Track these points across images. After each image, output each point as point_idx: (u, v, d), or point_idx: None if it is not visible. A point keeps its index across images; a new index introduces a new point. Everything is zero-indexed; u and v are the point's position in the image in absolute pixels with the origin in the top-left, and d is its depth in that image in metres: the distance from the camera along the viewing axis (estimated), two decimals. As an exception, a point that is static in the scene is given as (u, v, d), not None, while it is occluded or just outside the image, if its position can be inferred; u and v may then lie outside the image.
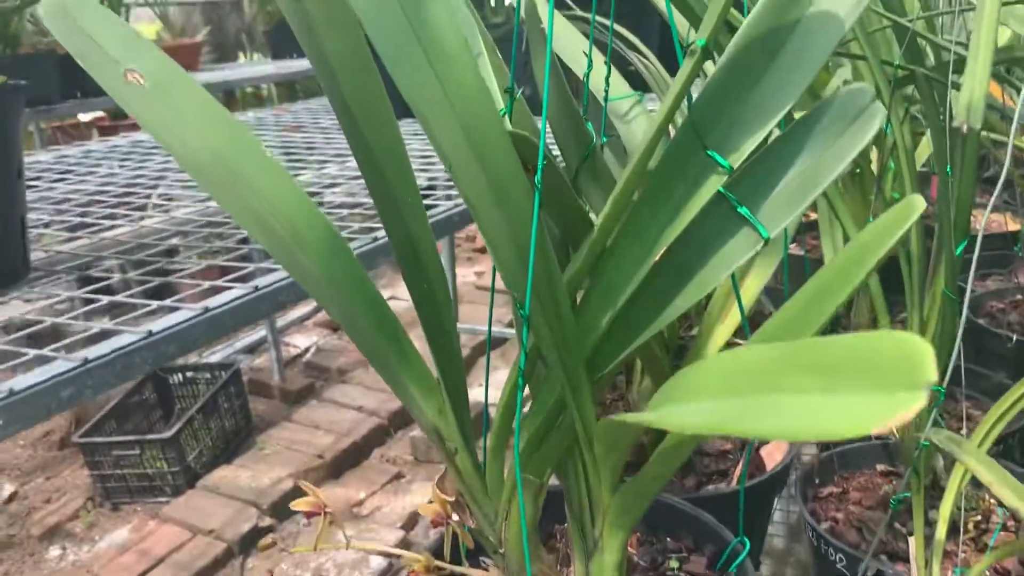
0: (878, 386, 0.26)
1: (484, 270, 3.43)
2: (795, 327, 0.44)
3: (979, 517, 0.81)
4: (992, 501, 0.82)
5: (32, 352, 0.66)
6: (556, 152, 0.73)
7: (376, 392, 2.59)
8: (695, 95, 0.54)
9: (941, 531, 0.70)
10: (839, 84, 1.08)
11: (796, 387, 0.29)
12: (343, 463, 2.34)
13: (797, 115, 0.57)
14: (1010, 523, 0.81)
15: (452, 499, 0.65)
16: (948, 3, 0.92)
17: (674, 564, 0.76)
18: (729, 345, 0.90)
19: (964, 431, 0.91)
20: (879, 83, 0.77)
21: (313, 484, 2.49)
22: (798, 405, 0.28)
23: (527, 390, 0.60)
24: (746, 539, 0.73)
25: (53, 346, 0.67)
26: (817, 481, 0.86)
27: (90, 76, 0.57)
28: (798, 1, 0.53)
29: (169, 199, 1.22)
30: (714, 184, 0.52)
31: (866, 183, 1.04)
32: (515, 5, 0.60)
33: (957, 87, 0.72)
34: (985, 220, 0.64)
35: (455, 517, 0.65)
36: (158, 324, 0.69)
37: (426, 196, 1.12)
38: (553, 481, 0.67)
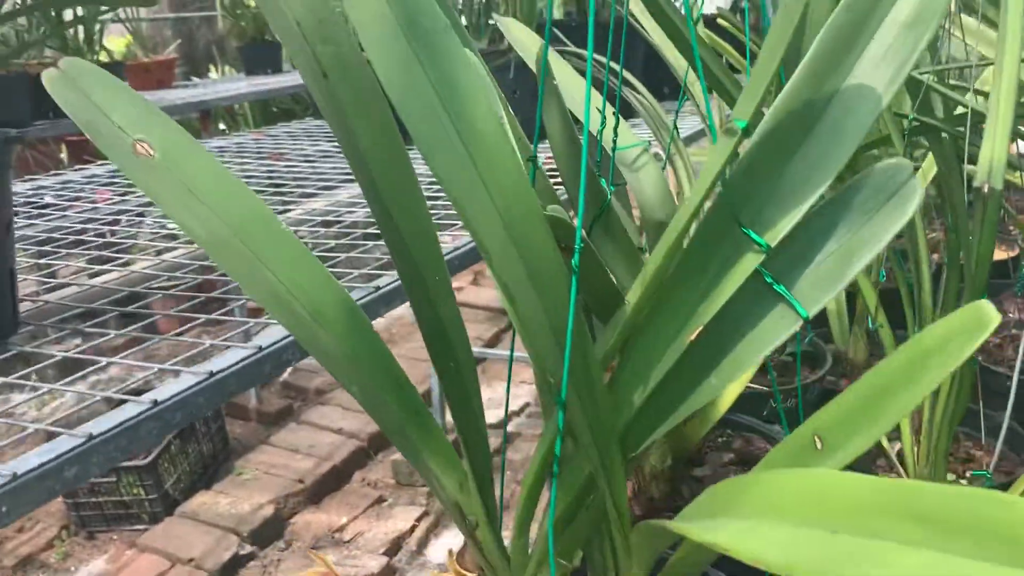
0: (1003, 559, 0.24)
1: (463, 285, 3.41)
2: (852, 426, 0.43)
3: None
4: None
5: (32, 426, 0.63)
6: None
7: (355, 413, 2.56)
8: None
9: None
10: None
11: (903, 536, 0.27)
12: (324, 487, 2.31)
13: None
14: None
15: (474, 575, 0.63)
16: (958, 52, 0.92)
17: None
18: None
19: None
20: (892, 135, 0.76)
21: (293, 509, 2.45)
22: (914, 561, 0.26)
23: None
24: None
25: (52, 418, 0.64)
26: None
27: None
28: (834, 73, 0.52)
29: (155, 233, 1.19)
30: (750, 262, 0.51)
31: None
32: (540, 67, 0.58)
33: (971, 141, 0.71)
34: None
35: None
36: (163, 392, 0.67)
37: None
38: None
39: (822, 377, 1.17)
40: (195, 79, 3.30)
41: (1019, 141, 0.83)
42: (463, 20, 1.81)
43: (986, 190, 0.65)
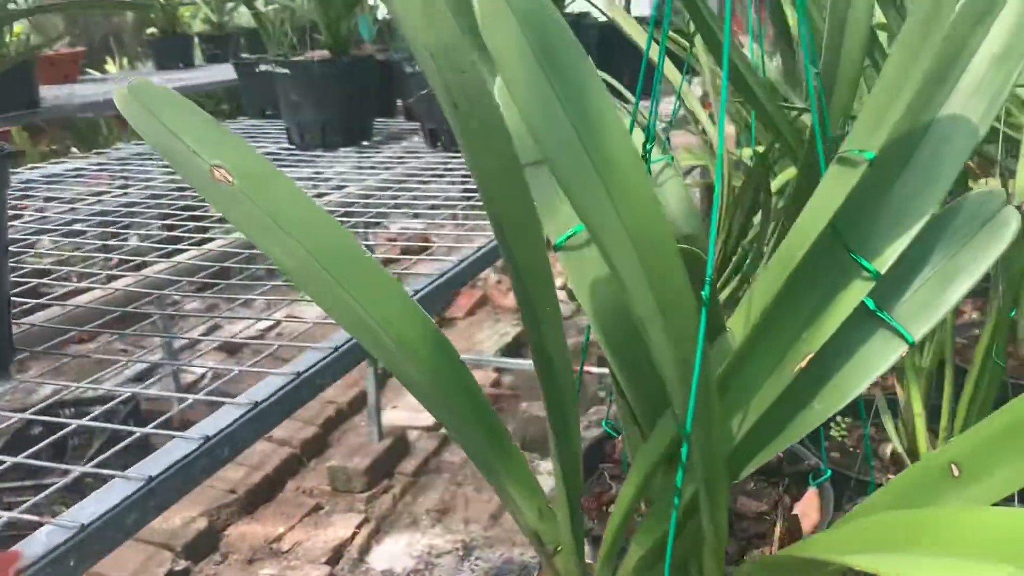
0: None
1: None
2: (996, 456, 0.44)
3: None
4: None
5: (77, 469, 0.59)
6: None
7: (286, 420, 2.49)
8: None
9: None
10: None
11: None
12: (257, 497, 2.24)
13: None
14: None
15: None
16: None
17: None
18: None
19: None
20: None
21: (227, 521, 2.37)
22: None
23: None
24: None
25: (97, 459, 0.60)
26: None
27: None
28: (930, 104, 0.53)
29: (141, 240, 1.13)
30: (859, 290, 0.52)
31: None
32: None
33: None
34: None
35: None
36: (208, 426, 0.63)
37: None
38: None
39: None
40: (93, 72, 3.14)
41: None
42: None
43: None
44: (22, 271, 1.01)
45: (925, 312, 0.53)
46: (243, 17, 3.04)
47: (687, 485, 0.57)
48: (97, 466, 0.61)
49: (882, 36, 1.00)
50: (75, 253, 1.26)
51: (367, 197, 1.26)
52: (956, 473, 0.46)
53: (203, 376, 2.73)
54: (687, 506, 0.57)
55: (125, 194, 1.42)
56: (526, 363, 2.76)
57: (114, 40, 3.41)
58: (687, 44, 1.24)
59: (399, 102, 1.91)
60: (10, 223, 1.24)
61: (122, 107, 0.51)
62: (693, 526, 0.57)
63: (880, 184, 0.53)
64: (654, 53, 0.77)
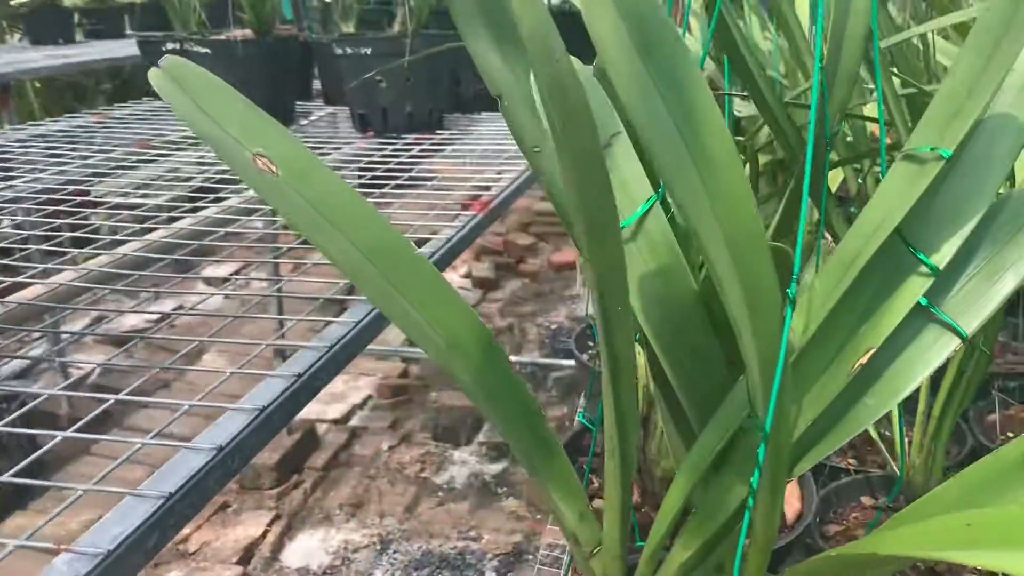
0: None
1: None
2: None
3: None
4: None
5: (80, 488, 0.53)
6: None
7: (186, 417, 2.38)
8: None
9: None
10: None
11: None
12: (160, 497, 2.13)
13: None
14: None
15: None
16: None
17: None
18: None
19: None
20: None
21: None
22: None
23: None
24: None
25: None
26: (819, 520, 0.90)
27: None
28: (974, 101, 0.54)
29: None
30: (917, 285, 0.52)
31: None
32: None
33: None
34: None
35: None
36: (219, 435, 0.59)
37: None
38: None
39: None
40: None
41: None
42: None
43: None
44: None
45: (974, 307, 0.53)
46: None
47: (738, 485, 0.56)
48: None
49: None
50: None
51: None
52: (1035, 468, 0.46)
53: (91, 372, 2.58)
54: (738, 507, 0.56)
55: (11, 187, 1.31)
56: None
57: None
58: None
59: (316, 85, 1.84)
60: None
61: (157, 87, 0.46)
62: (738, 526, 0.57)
63: (933, 179, 0.53)
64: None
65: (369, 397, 2.57)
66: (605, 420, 0.53)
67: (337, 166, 1.31)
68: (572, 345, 1.16)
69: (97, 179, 1.28)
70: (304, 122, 1.59)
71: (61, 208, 1.22)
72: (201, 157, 1.42)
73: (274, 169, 0.48)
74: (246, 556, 2.03)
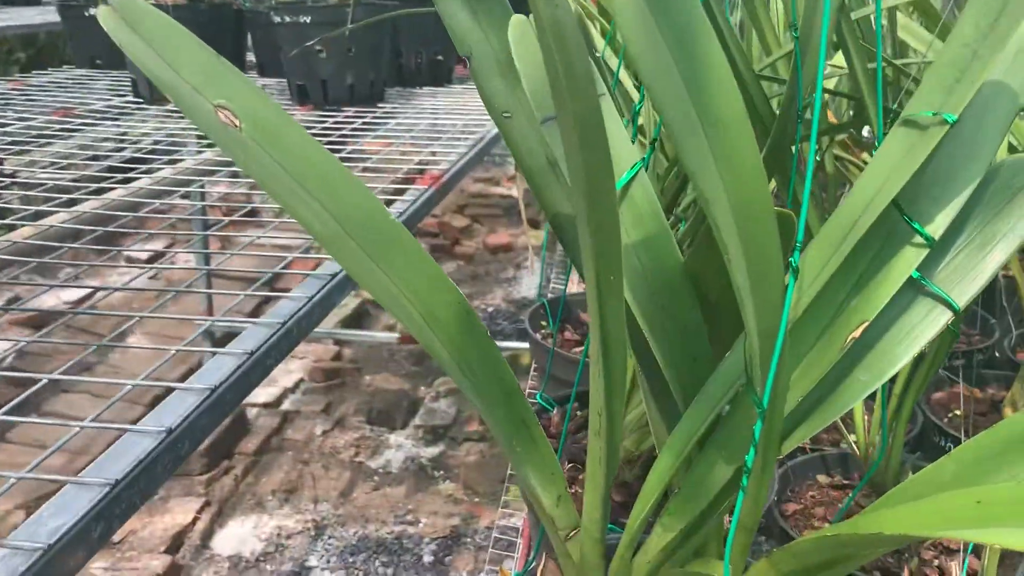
0: None
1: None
2: None
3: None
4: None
5: (14, 476, 0.48)
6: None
7: (106, 400, 2.29)
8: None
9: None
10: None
11: None
12: (81, 485, 2.04)
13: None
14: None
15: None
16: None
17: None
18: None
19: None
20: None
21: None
22: None
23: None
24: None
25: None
26: (776, 499, 0.88)
27: None
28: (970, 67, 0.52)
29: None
30: (911, 257, 0.50)
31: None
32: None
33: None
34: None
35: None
36: (168, 415, 0.54)
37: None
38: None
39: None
40: None
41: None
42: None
43: None
44: None
45: (966, 279, 0.52)
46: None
47: (722, 465, 0.54)
48: None
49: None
50: None
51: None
52: (1036, 441, 0.45)
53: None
54: (724, 486, 0.54)
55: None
56: (366, 335, 2.67)
57: None
58: None
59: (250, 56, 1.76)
60: None
61: (107, 27, 0.41)
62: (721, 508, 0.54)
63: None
64: None
65: (301, 380, 2.50)
66: (591, 398, 0.50)
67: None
68: (526, 325, 1.13)
69: (16, 147, 1.20)
70: (239, 92, 1.52)
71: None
72: (126, 133, 1.35)
73: (237, 123, 0.44)
74: (175, 544, 1.96)
